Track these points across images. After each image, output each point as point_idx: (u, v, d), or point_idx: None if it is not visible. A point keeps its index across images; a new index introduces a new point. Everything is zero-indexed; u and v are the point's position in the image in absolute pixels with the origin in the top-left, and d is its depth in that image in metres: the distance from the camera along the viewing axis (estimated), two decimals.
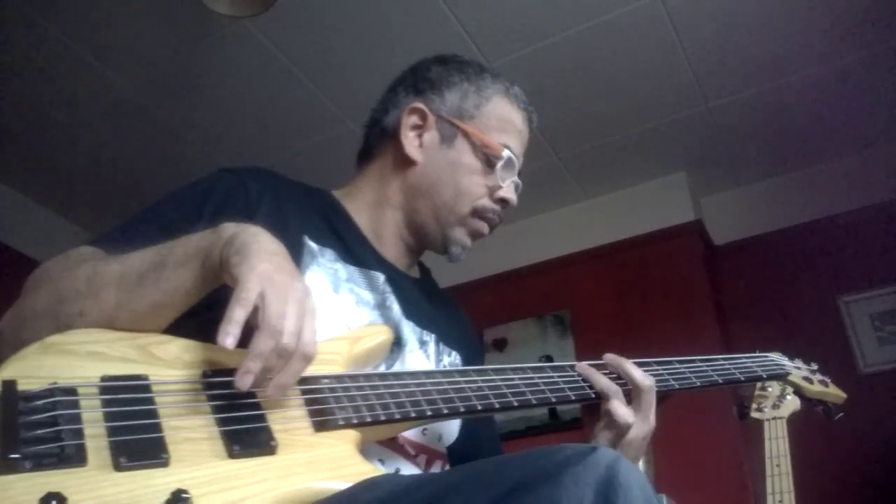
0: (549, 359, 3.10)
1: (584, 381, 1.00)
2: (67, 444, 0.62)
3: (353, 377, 0.85)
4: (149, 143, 3.09)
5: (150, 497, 0.61)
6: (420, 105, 1.13)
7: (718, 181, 3.35)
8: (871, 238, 2.94)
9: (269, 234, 0.79)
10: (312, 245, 1.02)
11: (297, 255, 0.98)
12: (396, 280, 1.10)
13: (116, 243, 0.87)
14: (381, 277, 1.07)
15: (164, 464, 0.64)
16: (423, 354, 1.07)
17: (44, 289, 0.82)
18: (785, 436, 1.41)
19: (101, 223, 3.33)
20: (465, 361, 1.16)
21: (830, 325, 2.90)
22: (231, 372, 0.72)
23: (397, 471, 0.95)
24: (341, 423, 0.78)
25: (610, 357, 1.04)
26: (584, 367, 1.02)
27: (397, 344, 1.02)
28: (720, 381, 1.14)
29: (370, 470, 0.74)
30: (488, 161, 1.11)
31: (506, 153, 1.11)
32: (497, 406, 0.90)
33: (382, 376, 0.88)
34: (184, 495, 0.60)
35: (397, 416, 0.82)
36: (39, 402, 0.64)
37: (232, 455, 0.68)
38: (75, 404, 0.66)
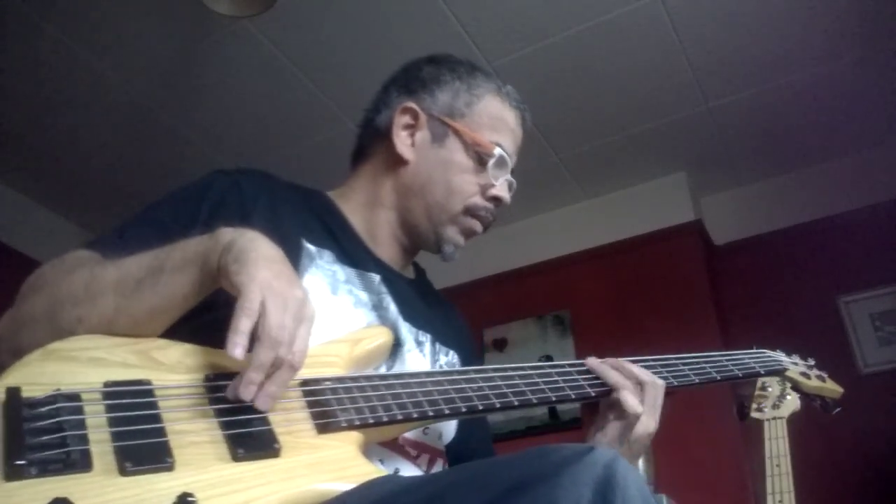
0: (549, 359, 3.11)
1: (593, 376, 1.01)
2: (72, 449, 0.62)
3: (354, 378, 0.85)
4: (149, 143, 3.09)
5: (155, 501, 0.61)
6: (411, 104, 1.13)
7: (718, 181, 3.36)
8: (871, 238, 2.94)
9: (266, 240, 0.80)
10: (310, 247, 1.02)
11: (296, 257, 0.98)
12: (392, 281, 1.10)
13: (113, 247, 0.87)
14: (376, 278, 1.08)
15: (170, 468, 0.64)
16: (419, 354, 1.07)
17: (41, 293, 0.82)
18: (785, 436, 1.41)
19: (101, 223, 3.34)
20: (462, 361, 1.17)
21: (830, 325, 2.90)
22: (233, 376, 0.73)
23: (396, 471, 0.96)
24: (344, 424, 0.78)
25: (610, 361, 1.04)
26: (594, 362, 1.02)
27: (395, 344, 1.03)
28: (718, 378, 1.14)
29: (373, 471, 0.74)
30: (480, 159, 1.11)
31: (497, 151, 1.11)
32: (498, 405, 0.90)
33: (383, 377, 0.88)
34: (189, 499, 0.61)
35: (399, 417, 0.82)
36: (44, 409, 0.65)
37: (236, 458, 0.68)
38: (79, 410, 0.66)
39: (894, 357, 2.79)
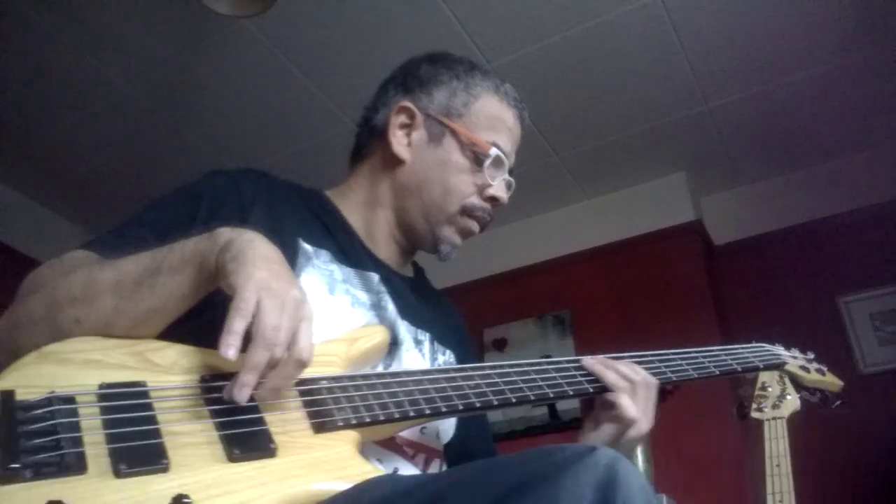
0: (549, 359, 3.10)
1: (590, 375, 1.00)
2: (67, 452, 0.62)
3: (351, 378, 0.85)
4: (149, 143, 3.09)
5: (151, 503, 0.61)
6: (408, 104, 1.13)
7: (718, 181, 3.35)
8: (871, 238, 2.94)
9: (264, 239, 0.79)
10: (307, 247, 1.02)
11: (292, 256, 0.98)
12: (391, 280, 1.10)
13: (112, 247, 0.87)
14: (375, 277, 1.07)
15: (165, 469, 0.64)
16: (418, 354, 1.07)
17: (39, 294, 0.82)
18: (785, 436, 1.41)
19: (101, 223, 3.33)
20: (460, 360, 1.16)
21: (830, 325, 2.90)
22: (229, 377, 0.72)
23: (395, 470, 0.95)
24: (340, 424, 0.78)
25: (601, 360, 1.03)
26: (590, 361, 1.02)
27: (393, 343, 1.03)
28: (717, 372, 1.14)
29: (371, 470, 0.74)
30: (476, 159, 1.11)
31: (493, 151, 1.11)
32: (495, 403, 0.90)
33: (380, 376, 0.88)
34: (185, 500, 0.60)
35: (396, 416, 0.82)
36: (38, 412, 0.64)
37: (232, 459, 0.68)
38: (74, 412, 0.66)
39: (894, 357, 2.79)
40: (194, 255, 0.79)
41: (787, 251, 3.12)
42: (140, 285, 0.78)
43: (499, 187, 1.13)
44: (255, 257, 0.75)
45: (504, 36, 2.58)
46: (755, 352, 1.27)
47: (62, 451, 0.62)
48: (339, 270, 1.03)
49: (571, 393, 0.99)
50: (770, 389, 1.43)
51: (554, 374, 0.99)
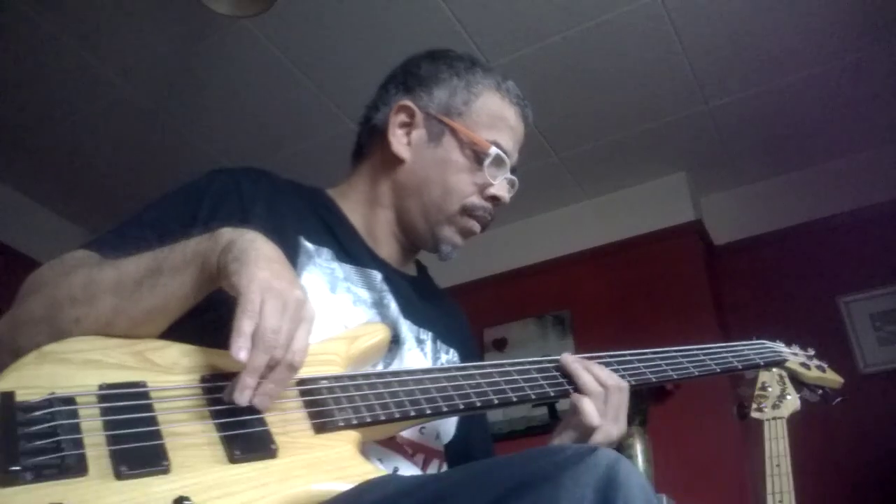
0: None
1: (553, 382, 0.97)
2: (67, 454, 0.62)
3: (351, 377, 0.85)
4: (149, 143, 3.09)
5: None
6: (408, 103, 1.12)
7: (718, 181, 3.35)
8: (871, 238, 2.93)
9: (266, 239, 0.79)
10: (308, 245, 1.02)
11: (294, 255, 0.98)
12: (393, 278, 1.10)
13: (112, 246, 0.87)
14: (378, 276, 1.07)
15: (166, 471, 0.64)
16: (420, 353, 1.07)
17: (39, 294, 0.82)
18: (785, 436, 1.41)
19: (101, 223, 3.33)
20: (462, 359, 1.16)
21: (830, 325, 2.90)
22: (230, 377, 0.72)
23: (396, 470, 0.95)
24: (341, 424, 0.78)
25: (584, 362, 1.00)
26: (569, 359, 0.99)
27: (395, 342, 1.03)
28: (718, 370, 1.13)
29: (371, 470, 0.74)
30: (477, 158, 1.10)
31: (493, 150, 1.09)
32: (496, 402, 0.90)
33: (381, 375, 0.88)
34: (186, 502, 0.60)
35: (397, 416, 0.82)
36: (38, 413, 0.64)
37: (233, 460, 0.68)
38: (74, 414, 0.66)
39: (894, 357, 2.78)
40: (195, 255, 0.79)
41: (787, 251, 3.12)
42: (140, 285, 0.78)
43: (500, 186, 1.12)
44: (257, 257, 0.75)
45: (504, 36, 2.57)
46: (756, 349, 1.27)
47: (63, 453, 0.62)
48: (340, 269, 1.03)
49: (573, 390, 0.98)
50: (770, 389, 1.43)
51: (555, 373, 0.99)
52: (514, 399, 0.92)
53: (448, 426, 1.09)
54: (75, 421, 0.65)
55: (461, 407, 0.87)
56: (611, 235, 3.32)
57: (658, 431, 2.78)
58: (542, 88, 2.75)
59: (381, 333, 0.96)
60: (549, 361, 1.01)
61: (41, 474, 0.59)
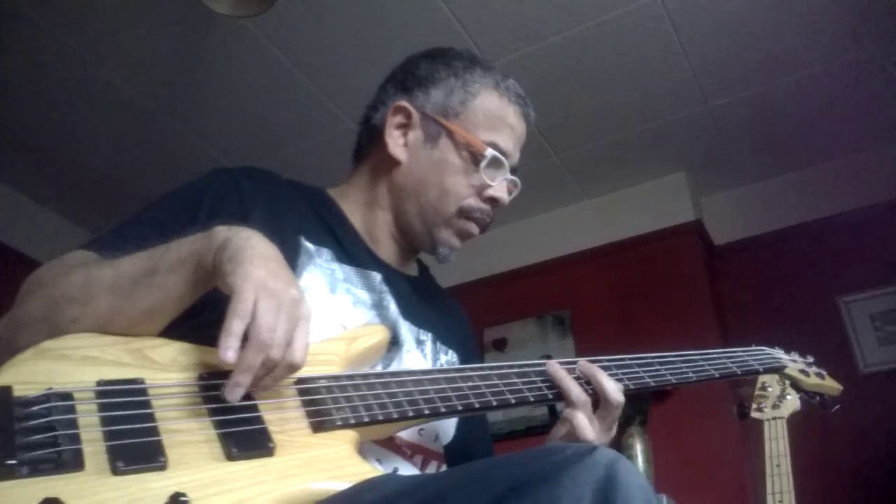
0: (549, 359, 3.09)
1: (552, 385, 0.95)
2: (64, 449, 0.62)
3: (350, 377, 0.85)
4: (149, 143, 3.09)
5: (148, 501, 0.61)
6: (404, 103, 1.11)
7: (718, 181, 3.35)
8: (871, 238, 2.93)
9: (262, 237, 0.79)
10: (309, 245, 1.02)
11: (294, 255, 0.98)
12: (393, 279, 1.09)
13: (112, 246, 0.87)
14: (377, 277, 1.07)
15: (162, 467, 0.64)
16: (420, 354, 1.07)
17: (38, 294, 0.82)
18: (785, 436, 1.41)
19: (101, 223, 3.33)
20: (462, 360, 1.16)
21: (830, 325, 2.90)
22: (227, 374, 0.72)
23: (395, 470, 0.95)
24: (339, 423, 0.78)
25: (583, 365, 0.99)
26: (555, 368, 0.97)
27: (395, 343, 1.02)
28: (716, 375, 1.13)
29: (369, 470, 0.74)
30: (473, 160, 1.09)
31: (489, 152, 1.08)
32: (494, 403, 0.90)
33: (379, 376, 0.88)
34: (182, 499, 0.60)
35: (395, 416, 0.82)
36: (35, 408, 0.64)
37: (230, 457, 0.68)
38: (71, 409, 0.66)
39: (894, 357, 2.78)
40: (191, 254, 0.79)
41: (787, 251, 3.12)
42: (137, 285, 0.78)
43: (498, 188, 1.11)
44: (252, 256, 0.74)
45: (504, 36, 2.58)
46: (755, 355, 1.27)
47: (59, 448, 0.62)
48: (340, 269, 1.03)
49: (551, 397, 0.96)
50: (770, 390, 1.43)
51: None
52: (513, 401, 0.92)
53: (447, 427, 1.09)
54: (72, 416, 0.65)
55: (459, 408, 0.87)
56: (611, 235, 3.32)
57: (658, 431, 2.78)
58: (542, 88, 2.74)
59: (380, 335, 0.96)
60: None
61: (38, 469, 0.59)
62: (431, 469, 1.04)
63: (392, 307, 1.06)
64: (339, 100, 2.86)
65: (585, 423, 0.93)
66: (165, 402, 0.71)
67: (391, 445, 0.97)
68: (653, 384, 1.04)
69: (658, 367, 1.07)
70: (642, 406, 2.78)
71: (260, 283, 0.72)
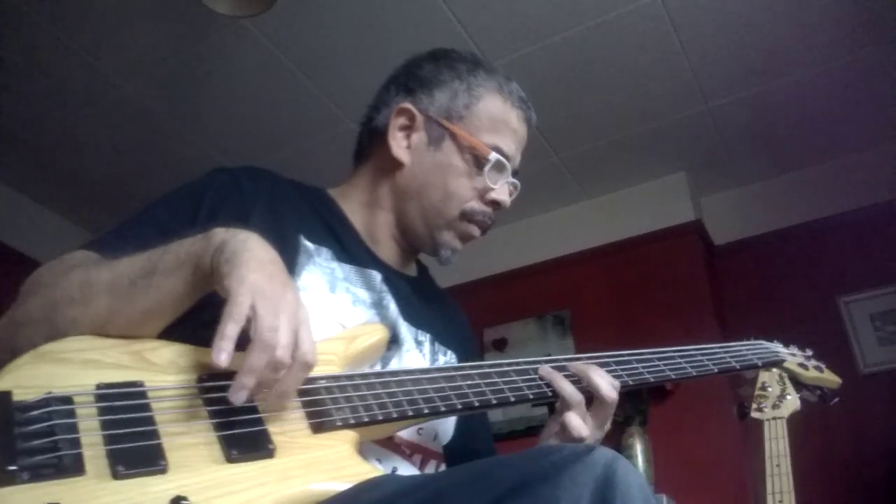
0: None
1: (547, 384, 0.95)
2: (64, 453, 0.62)
3: (349, 377, 0.85)
4: (149, 143, 3.09)
5: None
6: (408, 105, 1.11)
7: (718, 181, 3.35)
8: (871, 238, 2.93)
9: (260, 240, 0.78)
10: (308, 244, 1.02)
11: (294, 254, 0.98)
12: (393, 279, 1.09)
13: (112, 246, 0.87)
14: (378, 276, 1.07)
15: (163, 470, 0.64)
16: (418, 354, 1.07)
17: (38, 295, 0.82)
18: (785, 436, 1.41)
19: (101, 223, 3.33)
20: (462, 360, 1.16)
21: (830, 325, 2.90)
22: (227, 376, 0.72)
23: (394, 470, 0.95)
24: (339, 423, 0.78)
25: (574, 365, 0.99)
26: (548, 370, 0.97)
27: (394, 343, 1.02)
28: (716, 370, 1.12)
29: (369, 470, 0.74)
30: (477, 162, 1.09)
31: (493, 155, 1.08)
32: (494, 402, 0.90)
33: (379, 376, 0.88)
34: (183, 502, 0.60)
35: (394, 416, 0.82)
36: (35, 413, 0.64)
37: (230, 459, 0.68)
38: (71, 413, 0.66)
39: (894, 357, 2.78)
40: (189, 256, 0.78)
41: (787, 251, 3.12)
42: (135, 286, 0.78)
43: (500, 191, 1.11)
44: (248, 259, 0.74)
45: (504, 36, 2.57)
46: (754, 349, 1.26)
47: (60, 453, 0.61)
48: (339, 269, 1.03)
49: (550, 394, 0.96)
50: (770, 389, 1.43)
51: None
52: (512, 399, 0.92)
53: (446, 427, 1.08)
54: (72, 420, 0.65)
55: (459, 407, 0.87)
56: (611, 235, 3.32)
57: (658, 431, 2.78)
58: (543, 88, 2.74)
59: (379, 333, 0.96)
60: (548, 361, 1.00)
61: (38, 474, 0.59)
62: (430, 468, 1.04)
63: (392, 307, 1.06)
64: (339, 100, 2.86)
65: (579, 423, 0.93)
66: (165, 404, 0.71)
67: (390, 445, 0.97)
68: (651, 379, 1.04)
69: (656, 363, 1.06)
70: (642, 406, 2.78)
71: (256, 287, 0.71)
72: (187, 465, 0.66)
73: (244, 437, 0.71)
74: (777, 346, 1.34)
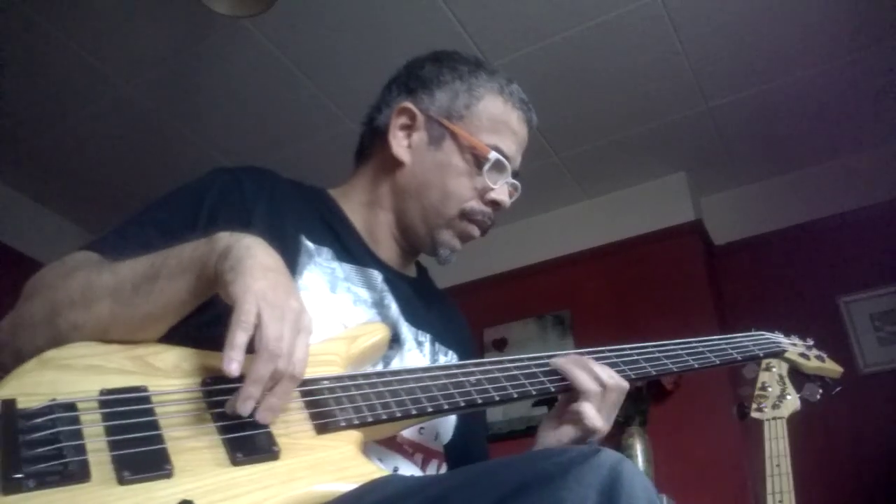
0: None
1: (554, 378, 0.96)
2: (70, 460, 0.62)
3: (352, 377, 0.85)
4: (149, 143, 3.09)
5: None
6: (409, 105, 1.12)
7: (718, 181, 3.35)
8: (871, 238, 2.93)
9: (263, 245, 0.78)
10: (309, 244, 1.02)
11: (295, 254, 0.98)
12: (393, 280, 1.10)
13: (114, 247, 0.87)
14: (378, 276, 1.07)
15: (168, 475, 0.64)
16: (419, 354, 1.07)
17: (40, 297, 0.82)
18: (785, 436, 1.41)
19: (101, 223, 3.33)
20: (461, 359, 1.16)
21: (830, 325, 2.89)
22: (230, 379, 0.72)
23: (395, 469, 0.96)
24: (343, 424, 0.78)
25: (574, 358, 0.98)
26: (559, 361, 0.97)
27: (396, 342, 1.03)
28: (717, 362, 1.12)
29: (374, 470, 0.74)
30: (477, 162, 1.09)
31: (493, 155, 1.09)
32: (497, 399, 0.90)
33: (381, 375, 0.88)
34: None
35: (398, 414, 0.82)
36: (39, 420, 0.64)
37: (235, 462, 0.68)
38: (75, 420, 0.66)
39: (894, 357, 2.78)
40: (192, 261, 0.78)
41: (787, 251, 3.12)
42: (137, 291, 0.78)
43: (500, 191, 1.11)
44: (252, 266, 0.74)
45: (504, 36, 2.57)
46: (755, 339, 1.24)
47: (65, 460, 0.61)
48: (340, 268, 1.03)
49: (553, 390, 0.96)
50: (770, 389, 1.43)
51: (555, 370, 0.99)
52: (515, 395, 0.91)
53: (447, 427, 1.09)
54: (77, 427, 0.65)
55: (462, 404, 0.87)
56: (611, 235, 3.32)
57: (658, 431, 2.78)
58: (542, 88, 2.74)
59: (380, 333, 0.96)
60: (549, 358, 1.00)
61: (44, 481, 0.59)
62: (432, 468, 1.04)
63: (393, 307, 1.06)
64: (340, 100, 2.86)
65: (594, 413, 0.93)
66: (169, 409, 0.71)
67: (392, 444, 0.97)
68: (653, 372, 1.04)
69: (658, 356, 1.06)
70: (642, 406, 2.78)
71: (261, 294, 0.71)
72: (192, 468, 0.66)
73: (248, 440, 0.70)
74: (778, 337, 1.32)
